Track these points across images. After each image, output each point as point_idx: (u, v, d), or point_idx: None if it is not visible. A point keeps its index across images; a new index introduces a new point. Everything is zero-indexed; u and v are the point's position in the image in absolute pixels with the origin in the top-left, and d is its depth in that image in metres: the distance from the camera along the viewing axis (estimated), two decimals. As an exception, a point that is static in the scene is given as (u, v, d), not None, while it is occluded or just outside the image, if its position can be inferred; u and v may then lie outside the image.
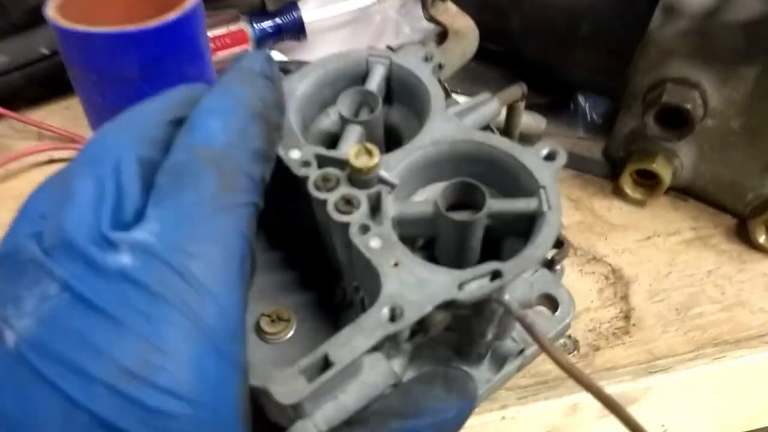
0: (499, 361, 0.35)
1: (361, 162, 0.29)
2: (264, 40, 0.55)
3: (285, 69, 0.35)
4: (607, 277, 0.43)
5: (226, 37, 0.53)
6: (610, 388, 0.39)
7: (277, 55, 0.54)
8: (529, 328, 0.27)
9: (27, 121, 0.50)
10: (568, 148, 0.52)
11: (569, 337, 0.41)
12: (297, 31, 0.56)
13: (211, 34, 0.53)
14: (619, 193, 0.48)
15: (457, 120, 0.33)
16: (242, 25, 0.54)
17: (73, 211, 0.21)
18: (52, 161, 0.49)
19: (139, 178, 0.23)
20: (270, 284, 0.36)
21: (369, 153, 0.29)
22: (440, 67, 0.37)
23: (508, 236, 0.31)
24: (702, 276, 0.44)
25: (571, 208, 0.48)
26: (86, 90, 0.45)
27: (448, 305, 0.27)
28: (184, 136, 0.24)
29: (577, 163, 0.51)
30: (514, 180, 0.31)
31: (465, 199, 0.30)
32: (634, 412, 0.40)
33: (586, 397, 0.37)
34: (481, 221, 0.29)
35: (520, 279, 0.29)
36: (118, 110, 0.40)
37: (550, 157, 0.31)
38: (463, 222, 0.29)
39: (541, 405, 0.38)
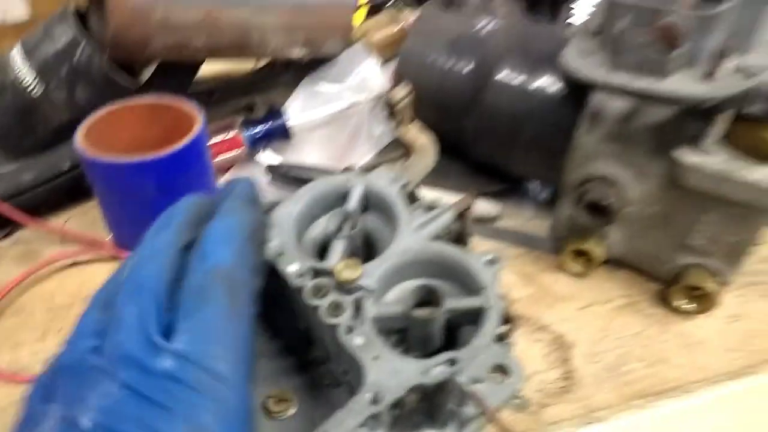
0: (461, 424, 0.43)
1: (346, 275, 0.38)
2: (255, 143, 0.64)
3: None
4: (552, 343, 0.52)
5: (223, 144, 0.62)
6: (557, 440, 0.47)
7: (270, 156, 0.63)
8: (476, 401, 0.36)
9: (51, 228, 0.59)
10: (519, 227, 0.62)
11: (521, 397, 0.49)
12: (284, 133, 0.65)
13: (210, 142, 0.62)
14: (562, 267, 0.58)
15: (420, 232, 0.42)
16: (237, 132, 0.63)
17: (126, 330, 0.29)
18: (75, 263, 0.57)
19: (167, 298, 0.31)
20: (273, 369, 0.44)
21: (353, 268, 0.38)
22: (405, 186, 0.46)
23: (464, 324, 0.39)
24: (630, 338, 0.53)
25: (523, 283, 0.57)
26: (109, 204, 0.53)
27: (417, 388, 0.35)
28: (199, 262, 0.32)
29: (528, 242, 0.60)
30: (465, 279, 0.40)
31: (427, 298, 0.39)
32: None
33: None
34: (440, 316, 0.38)
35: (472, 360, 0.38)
36: (137, 221, 0.49)
37: (492, 262, 0.40)
38: (425, 318, 0.38)
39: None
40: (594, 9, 0.53)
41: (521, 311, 0.54)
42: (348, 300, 0.38)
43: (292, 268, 0.40)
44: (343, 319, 0.37)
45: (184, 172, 0.51)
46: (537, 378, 0.50)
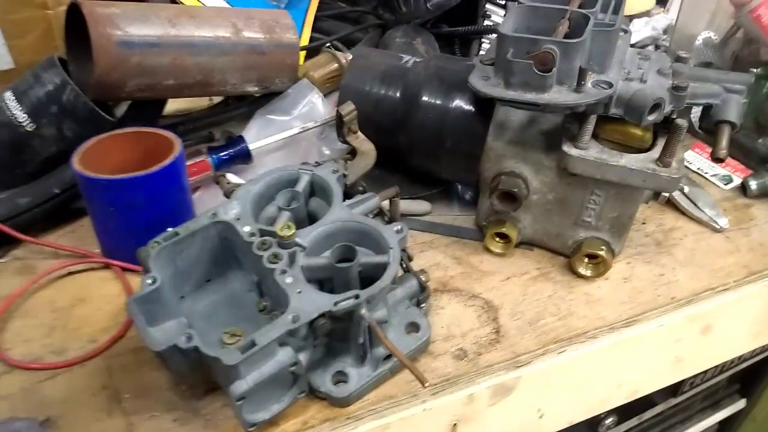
0: (375, 362, 0.57)
1: (283, 233, 0.53)
2: (220, 166, 0.78)
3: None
4: (482, 307, 0.67)
5: (193, 167, 0.75)
6: (492, 381, 0.61)
7: (233, 178, 0.76)
8: (373, 328, 0.51)
9: (46, 244, 0.70)
10: (450, 221, 0.78)
11: (461, 349, 0.64)
12: (245, 156, 0.79)
13: (181, 166, 0.75)
14: (486, 249, 0.74)
15: (348, 209, 0.58)
16: (204, 157, 0.77)
17: None
18: (70, 273, 0.68)
19: None
20: (230, 314, 0.59)
21: (289, 228, 0.53)
22: (344, 176, 0.63)
23: (375, 276, 0.54)
24: (545, 299, 0.69)
25: (455, 264, 0.73)
26: (102, 217, 0.65)
27: (327, 314, 0.50)
28: None
29: (457, 232, 0.76)
30: (378, 243, 0.56)
31: (347, 255, 0.55)
32: (513, 401, 0.63)
33: (477, 389, 0.60)
34: (354, 267, 0.54)
35: (382, 305, 0.54)
36: (127, 232, 0.63)
37: (399, 231, 0.56)
38: (342, 267, 0.53)
39: (448, 397, 0.59)
40: (490, 43, 0.71)
41: (455, 285, 0.70)
42: (284, 252, 0.53)
43: (245, 229, 0.56)
44: (279, 265, 0.53)
45: (169, 186, 0.64)
46: (472, 334, 0.64)
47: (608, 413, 1.00)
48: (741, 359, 1.10)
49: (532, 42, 0.62)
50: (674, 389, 1.07)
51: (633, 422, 1.07)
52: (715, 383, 1.14)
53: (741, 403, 1.22)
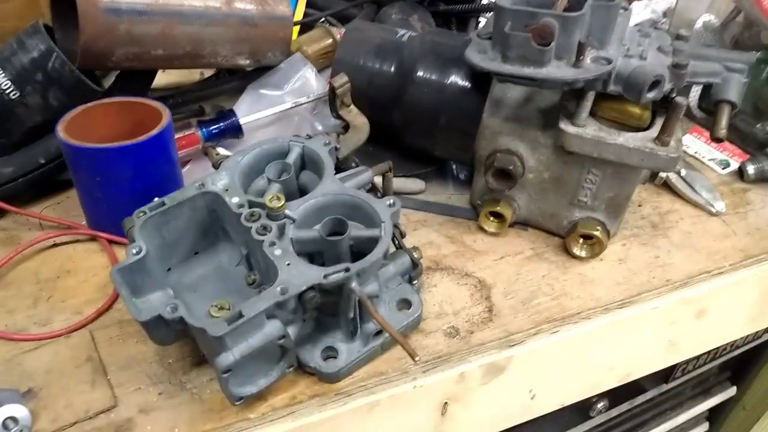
0: (365, 338, 0.57)
1: (272, 204, 0.52)
2: (210, 140, 0.77)
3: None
4: (475, 285, 0.67)
5: (182, 140, 0.74)
6: (484, 359, 0.60)
7: (222, 151, 0.75)
8: (364, 302, 0.50)
9: (30, 214, 0.68)
10: (444, 200, 0.77)
11: (453, 327, 0.63)
12: (236, 131, 0.78)
13: (171, 138, 0.74)
14: (480, 229, 0.73)
15: (340, 182, 0.57)
16: (194, 131, 0.76)
17: None
18: (56, 245, 0.67)
19: None
20: (217, 287, 0.58)
21: (278, 199, 0.52)
22: (336, 149, 0.61)
23: (366, 250, 0.53)
24: (539, 279, 0.68)
25: (448, 242, 0.72)
26: (88, 187, 0.64)
27: (316, 286, 0.49)
28: None
29: (451, 211, 0.76)
30: (370, 217, 0.55)
31: (337, 228, 0.54)
32: (505, 380, 0.63)
33: (469, 368, 0.59)
34: (345, 241, 0.53)
35: (373, 279, 0.53)
36: (113, 203, 0.62)
37: (391, 205, 0.55)
38: (333, 240, 0.52)
39: (439, 375, 0.59)
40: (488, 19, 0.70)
41: (448, 264, 0.69)
42: (274, 224, 0.53)
43: (234, 200, 0.55)
44: (268, 237, 0.52)
45: (156, 157, 0.63)
46: (465, 312, 0.64)
47: (600, 397, 1.00)
48: (733, 346, 1.10)
49: (531, 15, 0.61)
50: (666, 375, 1.07)
51: (624, 407, 1.07)
52: (706, 370, 1.14)
53: (731, 391, 1.23)
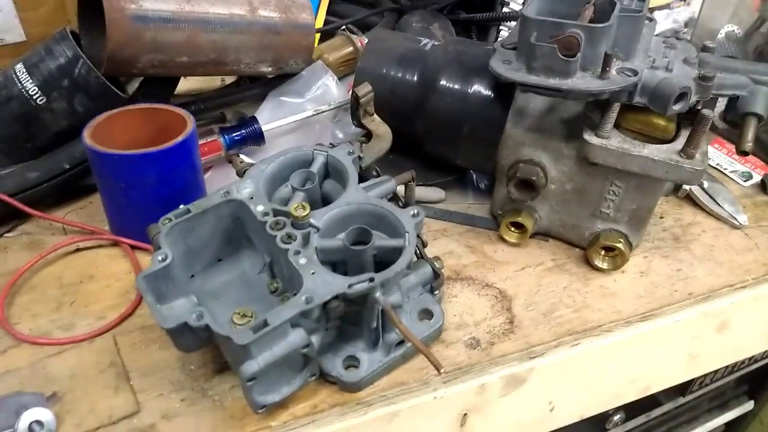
0: (387, 348, 0.56)
1: (297, 213, 0.52)
2: (232, 147, 0.77)
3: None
4: (496, 296, 0.66)
5: (205, 146, 0.75)
6: (504, 371, 0.60)
7: (245, 159, 0.75)
8: (388, 312, 0.50)
9: (54, 219, 0.69)
10: (464, 210, 0.77)
11: (474, 338, 0.63)
12: (257, 138, 0.78)
13: (193, 145, 0.74)
14: (501, 239, 0.73)
15: (364, 191, 0.57)
16: (216, 137, 0.76)
17: None
18: (79, 249, 0.68)
19: None
20: (240, 295, 0.58)
21: (303, 208, 0.53)
22: (360, 158, 0.62)
23: (390, 260, 0.53)
24: (560, 291, 0.68)
25: (469, 252, 0.72)
26: (112, 193, 0.64)
27: (340, 296, 0.49)
28: None
29: (471, 221, 0.75)
30: (393, 227, 0.55)
31: (361, 238, 0.54)
32: (525, 392, 0.63)
33: (489, 379, 0.59)
34: (369, 250, 0.53)
35: (396, 289, 0.52)
36: (137, 209, 0.62)
37: (416, 215, 0.55)
38: (357, 250, 0.52)
39: (459, 386, 0.59)
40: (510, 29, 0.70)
41: (469, 274, 0.69)
42: (298, 233, 0.53)
43: (259, 208, 0.55)
44: (293, 246, 0.52)
45: (181, 164, 0.64)
46: (485, 323, 0.64)
47: (616, 410, 0.99)
48: (751, 360, 1.09)
49: (557, 26, 0.61)
50: (683, 388, 1.06)
51: (641, 420, 1.06)
52: (723, 384, 1.13)
53: (749, 405, 1.21)
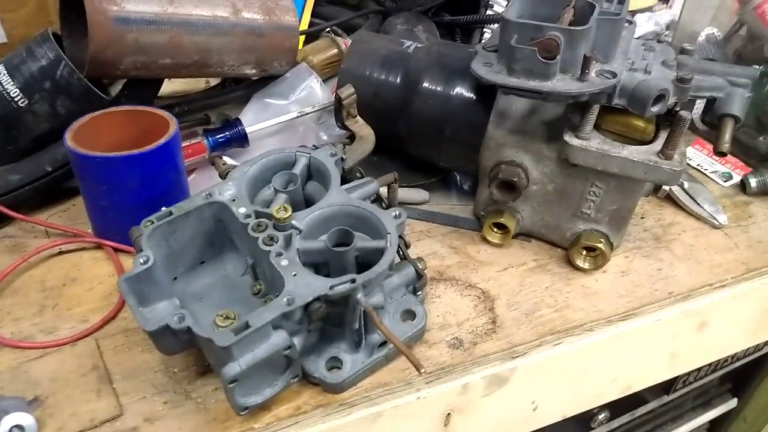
0: (370, 349, 0.57)
1: (279, 215, 0.53)
2: (216, 148, 0.77)
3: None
4: (479, 296, 0.67)
5: (189, 148, 0.75)
6: (487, 371, 0.61)
7: (228, 160, 0.76)
8: (369, 313, 0.50)
9: (37, 222, 0.69)
10: (447, 211, 0.78)
11: (457, 338, 0.63)
12: (242, 140, 0.78)
13: (176, 147, 0.74)
14: (484, 240, 0.74)
15: (346, 193, 0.58)
16: (200, 139, 0.76)
17: None
18: (62, 252, 0.68)
19: None
20: (223, 297, 0.58)
21: (285, 210, 0.53)
22: (342, 159, 0.62)
23: (372, 261, 0.54)
24: (542, 291, 0.69)
25: (452, 253, 0.72)
26: (95, 196, 0.64)
27: (322, 297, 0.50)
28: None
29: (455, 222, 0.76)
30: (376, 228, 0.55)
31: (343, 239, 0.54)
32: (507, 392, 0.63)
33: (472, 379, 0.60)
34: (351, 252, 0.53)
35: (378, 290, 0.53)
36: (120, 212, 0.62)
37: (397, 216, 0.56)
38: (339, 251, 0.52)
39: (443, 386, 0.59)
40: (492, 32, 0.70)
41: (452, 275, 0.69)
42: (280, 235, 0.53)
43: (241, 210, 0.55)
44: (275, 247, 0.53)
45: (164, 166, 0.64)
46: (468, 323, 0.64)
47: (601, 408, 1.00)
48: (734, 358, 1.11)
49: (537, 28, 0.61)
50: (667, 387, 1.07)
51: (625, 418, 1.07)
52: (707, 382, 1.14)
53: (732, 403, 1.23)
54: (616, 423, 1.06)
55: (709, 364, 1.07)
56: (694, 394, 1.18)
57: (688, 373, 1.06)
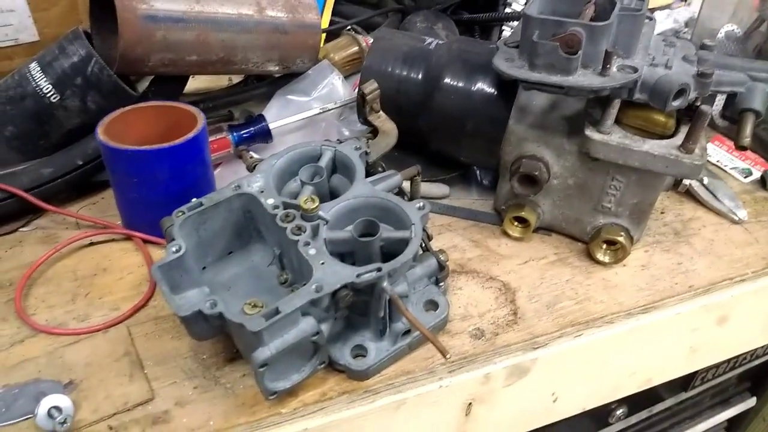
0: (394, 337, 0.58)
1: (307, 205, 0.54)
2: (240, 144, 0.79)
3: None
4: (500, 288, 0.68)
5: (214, 143, 0.76)
6: (508, 361, 0.62)
7: (253, 155, 0.77)
8: (395, 301, 0.52)
9: (68, 214, 0.71)
10: (468, 206, 0.79)
11: (479, 329, 0.65)
12: (265, 135, 0.80)
13: (203, 142, 0.76)
14: (504, 233, 0.75)
15: (371, 185, 0.59)
16: (225, 135, 0.78)
17: None
18: (92, 243, 0.70)
19: None
20: (250, 286, 0.60)
21: (312, 201, 0.54)
22: (366, 153, 0.63)
23: (397, 251, 0.55)
24: (562, 283, 0.70)
25: (473, 246, 0.73)
26: (124, 188, 0.66)
27: (349, 285, 0.51)
28: None
29: (475, 216, 0.77)
30: (400, 219, 0.56)
31: (369, 230, 0.56)
32: (528, 382, 0.64)
33: (493, 369, 0.61)
34: (377, 242, 0.55)
35: (402, 280, 0.54)
36: (149, 204, 0.64)
37: (421, 207, 0.57)
38: (365, 241, 0.54)
39: (464, 376, 0.60)
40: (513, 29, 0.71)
41: (473, 267, 0.70)
42: (308, 225, 0.55)
43: (269, 201, 0.57)
44: (303, 237, 0.54)
45: (192, 160, 0.65)
46: (490, 314, 0.65)
47: (619, 404, 1.01)
48: (753, 356, 1.10)
49: (559, 24, 0.62)
50: (685, 384, 1.08)
51: (643, 414, 1.07)
52: (725, 380, 1.14)
53: (751, 402, 1.23)
54: (634, 419, 1.06)
55: (728, 362, 1.07)
56: (712, 392, 1.17)
57: (707, 370, 1.06)
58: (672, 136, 0.66)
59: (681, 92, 0.61)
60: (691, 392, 1.10)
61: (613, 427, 1.04)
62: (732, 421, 1.26)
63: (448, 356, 0.50)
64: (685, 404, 1.15)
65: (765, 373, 1.19)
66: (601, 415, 1.01)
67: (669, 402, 1.10)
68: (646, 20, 0.71)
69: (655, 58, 0.66)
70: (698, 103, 0.64)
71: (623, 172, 0.68)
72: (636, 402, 1.03)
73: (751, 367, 1.13)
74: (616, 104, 0.65)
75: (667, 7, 1.16)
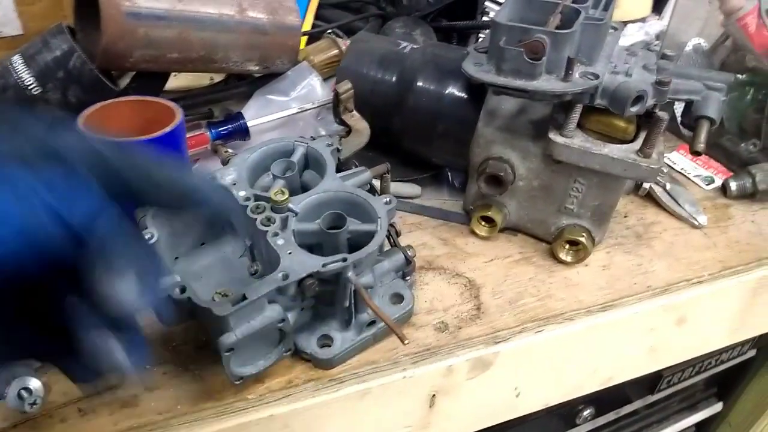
0: (359, 328, 0.61)
1: (277, 197, 0.56)
2: (218, 140, 0.81)
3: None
4: (465, 285, 0.71)
5: (192, 139, 0.79)
6: (471, 354, 0.64)
7: (228, 149, 0.80)
8: (359, 291, 0.54)
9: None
10: (439, 205, 0.81)
11: (443, 322, 0.67)
12: (243, 133, 0.82)
13: (181, 137, 0.78)
14: (472, 232, 0.78)
15: (341, 180, 0.62)
16: (203, 131, 0.80)
17: None
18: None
19: None
20: (221, 277, 0.62)
21: (282, 193, 0.57)
22: (338, 150, 0.66)
23: (363, 244, 0.58)
24: (525, 281, 0.72)
25: (441, 244, 0.76)
26: (102, 180, 0.68)
27: (315, 274, 0.54)
28: None
29: (445, 215, 0.80)
30: (367, 213, 0.59)
31: (337, 222, 0.58)
32: (491, 376, 0.67)
33: (456, 361, 0.63)
34: (344, 234, 0.57)
35: (369, 272, 0.57)
36: None
37: (388, 202, 0.59)
38: (332, 233, 0.56)
39: (428, 367, 0.63)
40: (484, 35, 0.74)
41: (440, 264, 0.73)
42: (277, 216, 0.57)
43: (241, 194, 0.59)
44: (272, 228, 0.56)
45: (171, 150, 0.68)
46: (454, 309, 0.68)
47: (585, 405, 1.04)
48: (718, 361, 1.14)
49: (524, 31, 0.66)
50: (651, 386, 1.11)
51: (610, 416, 1.10)
52: (692, 384, 1.17)
53: (718, 407, 1.26)
54: (601, 420, 1.09)
55: (693, 366, 1.11)
56: (679, 397, 1.21)
57: (673, 373, 1.09)
58: (632, 141, 0.69)
59: (639, 99, 0.65)
60: (658, 395, 1.13)
61: (581, 427, 1.07)
62: (699, 426, 1.29)
63: (406, 342, 0.53)
64: (652, 408, 1.18)
65: (731, 379, 1.23)
66: (568, 415, 1.04)
67: (636, 404, 1.13)
68: (611, 30, 0.75)
69: (617, 66, 0.70)
70: (656, 110, 0.68)
71: (585, 174, 0.71)
72: (603, 403, 1.06)
73: (718, 372, 1.16)
74: (578, 109, 0.68)
75: (641, 20, 1.20)
